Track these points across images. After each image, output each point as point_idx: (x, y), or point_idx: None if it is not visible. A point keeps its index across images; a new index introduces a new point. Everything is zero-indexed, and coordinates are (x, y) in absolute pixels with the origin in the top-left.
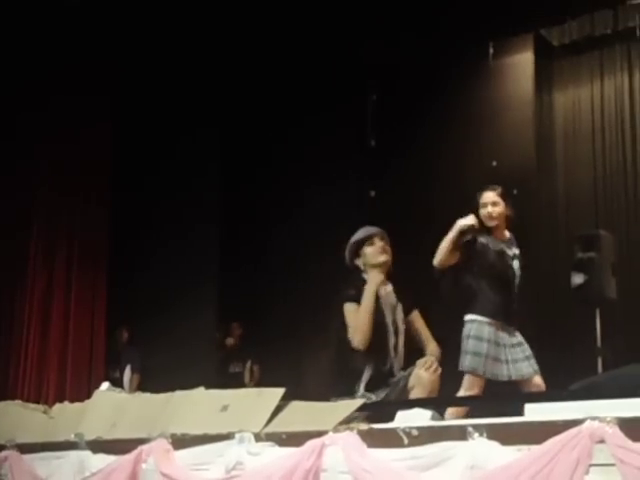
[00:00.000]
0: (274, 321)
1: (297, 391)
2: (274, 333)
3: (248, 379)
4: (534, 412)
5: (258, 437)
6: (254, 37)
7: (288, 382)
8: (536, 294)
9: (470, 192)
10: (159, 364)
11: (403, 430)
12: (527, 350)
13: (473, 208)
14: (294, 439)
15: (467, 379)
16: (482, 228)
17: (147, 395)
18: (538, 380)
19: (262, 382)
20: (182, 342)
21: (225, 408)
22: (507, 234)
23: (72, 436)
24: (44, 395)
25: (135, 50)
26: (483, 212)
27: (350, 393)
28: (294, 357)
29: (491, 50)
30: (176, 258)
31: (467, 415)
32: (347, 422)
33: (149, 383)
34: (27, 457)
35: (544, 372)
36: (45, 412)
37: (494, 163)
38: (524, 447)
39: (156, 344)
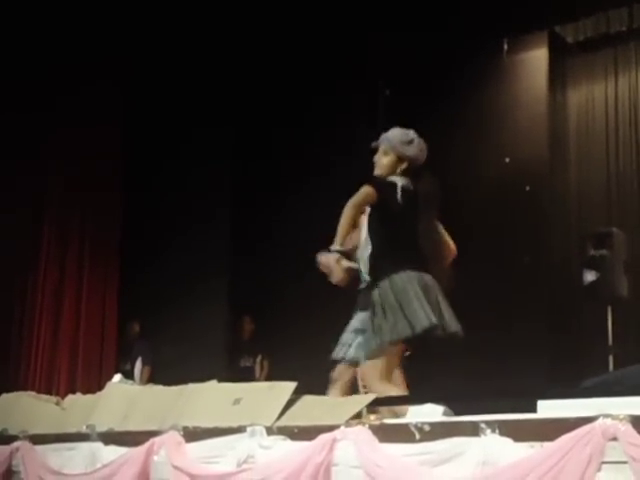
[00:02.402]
0: (285, 315)
1: (308, 385)
2: (285, 327)
3: (259, 373)
4: (547, 409)
5: (270, 431)
6: (267, 33)
7: (299, 377)
8: (548, 291)
9: (483, 189)
10: (170, 357)
11: (415, 425)
12: None
13: None
14: (306, 433)
15: None
16: None
17: (159, 387)
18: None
19: (272, 377)
20: (193, 335)
21: (237, 401)
22: None
23: (84, 428)
24: (55, 387)
25: (146, 46)
26: None
27: None
28: (305, 351)
29: (505, 46)
30: (187, 252)
31: None
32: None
33: (160, 376)
34: (39, 448)
35: (555, 369)
36: (57, 403)
37: (507, 160)
38: (536, 444)
39: (167, 337)
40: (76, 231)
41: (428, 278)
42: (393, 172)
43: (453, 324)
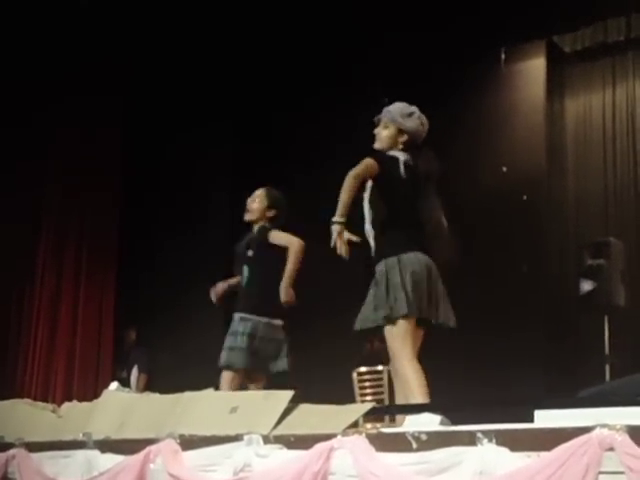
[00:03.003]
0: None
1: (305, 394)
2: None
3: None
4: (544, 419)
5: (266, 439)
6: (267, 35)
7: (296, 385)
8: (544, 301)
9: (481, 198)
10: (166, 365)
11: (412, 434)
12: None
13: None
14: (302, 442)
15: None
16: None
17: (156, 395)
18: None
19: (271, 385)
20: (190, 343)
21: (234, 410)
22: None
23: (80, 435)
24: (51, 394)
25: (145, 46)
26: None
27: None
28: (304, 360)
29: (503, 56)
30: (185, 259)
31: None
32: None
33: (156, 383)
34: (35, 456)
35: (552, 378)
36: (54, 411)
37: (504, 169)
38: (533, 454)
39: (164, 345)
40: (73, 239)
41: (431, 263)
42: (394, 145)
43: (450, 317)
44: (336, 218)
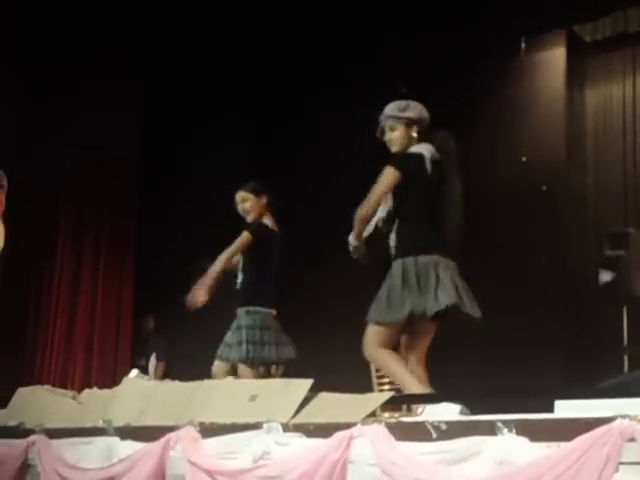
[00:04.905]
0: (301, 312)
1: (324, 382)
2: (301, 324)
3: (275, 369)
4: (564, 409)
5: (286, 427)
6: (285, 21)
7: (314, 373)
8: (563, 291)
9: (500, 188)
10: (184, 353)
11: (432, 424)
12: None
13: None
14: (322, 430)
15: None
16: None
17: (176, 383)
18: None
19: (288, 373)
20: (208, 331)
21: (254, 398)
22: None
23: (100, 422)
24: (70, 381)
25: (164, 32)
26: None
27: None
28: (322, 348)
29: (523, 46)
30: (203, 246)
31: None
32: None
33: (174, 371)
34: (55, 442)
35: (571, 369)
36: (74, 398)
37: (524, 159)
38: (553, 444)
39: (182, 333)
40: (92, 225)
41: (450, 263)
42: (410, 142)
43: (473, 308)
44: (353, 241)
